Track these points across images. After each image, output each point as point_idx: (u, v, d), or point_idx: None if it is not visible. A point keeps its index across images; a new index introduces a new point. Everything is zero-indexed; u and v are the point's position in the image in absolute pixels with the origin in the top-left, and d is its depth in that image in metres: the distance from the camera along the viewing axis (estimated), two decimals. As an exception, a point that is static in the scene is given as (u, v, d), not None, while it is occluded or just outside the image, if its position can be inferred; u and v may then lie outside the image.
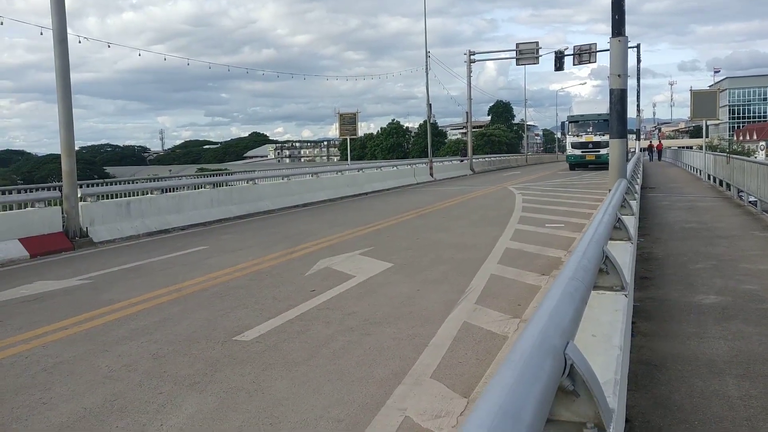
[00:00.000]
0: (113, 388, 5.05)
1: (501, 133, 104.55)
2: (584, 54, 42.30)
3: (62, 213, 13.42)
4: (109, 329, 6.75)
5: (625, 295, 3.88)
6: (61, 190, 13.81)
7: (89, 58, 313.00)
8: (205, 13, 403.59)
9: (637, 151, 46.30)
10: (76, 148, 14.70)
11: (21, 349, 6.16)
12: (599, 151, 40.27)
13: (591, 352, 2.69)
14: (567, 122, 44.79)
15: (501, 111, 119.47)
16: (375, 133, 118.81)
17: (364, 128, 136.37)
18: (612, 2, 11.31)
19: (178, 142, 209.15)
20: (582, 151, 42.37)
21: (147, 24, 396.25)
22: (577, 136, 42.80)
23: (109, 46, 24.31)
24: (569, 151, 43.93)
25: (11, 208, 13.23)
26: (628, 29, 11.88)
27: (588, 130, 42.46)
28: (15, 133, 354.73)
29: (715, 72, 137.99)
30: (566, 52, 42.60)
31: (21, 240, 12.21)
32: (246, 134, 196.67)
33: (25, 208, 13.19)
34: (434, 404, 4.53)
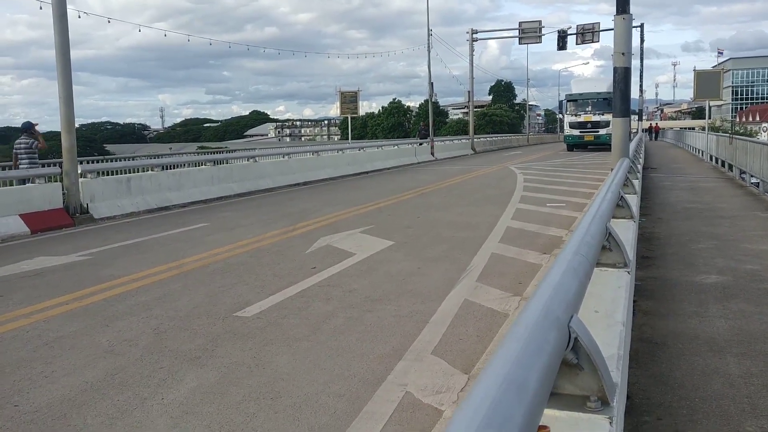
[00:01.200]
0: (114, 363, 5.05)
1: (502, 113, 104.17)
2: (587, 33, 42.03)
3: (62, 189, 13.38)
4: (109, 304, 6.75)
5: (628, 272, 3.87)
6: (61, 167, 13.78)
7: (92, 35, 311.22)
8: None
9: (639, 131, 46.05)
10: (76, 126, 14.64)
11: (22, 323, 6.16)
12: (598, 131, 39.23)
13: (594, 327, 2.67)
14: (565, 101, 43.52)
15: (502, 91, 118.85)
16: (376, 112, 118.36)
17: (366, 107, 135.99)
18: (617, -21, 11.19)
19: (178, 120, 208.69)
20: (581, 132, 41.06)
21: (149, 1, 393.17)
22: (576, 115, 41.44)
23: (109, 22, 24.32)
24: (567, 131, 42.62)
25: (12, 185, 13.21)
26: (632, 9, 11.76)
27: (587, 109, 41.19)
28: (16, 110, 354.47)
29: (719, 53, 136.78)
30: (569, 32, 42.33)
31: (21, 216, 12.19)
32: (247, 113, 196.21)
33: (25, 184, 13.17)
34: (435, 380, 4.53)
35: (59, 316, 6.39)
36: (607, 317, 2.99)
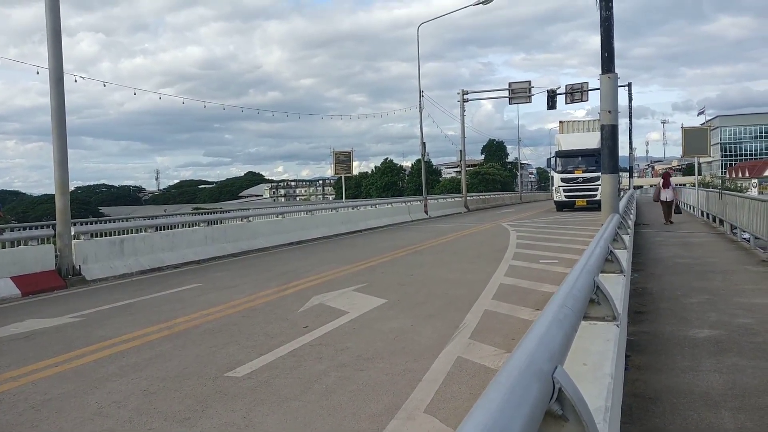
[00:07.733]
0: (102, 425, 4.97)
1: (495, 171, 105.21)
2: (576, 93, 42.78)
3: (55, 251, 13.36)
4: (99, 366, 6.67)
5: (617, 326, 3.86)
6: (54, 228, 13.78)
7: (101, 100, 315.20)
8: (216, 58, 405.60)
9: (630, 188, 46.38)
10: (72, 188, 14.73)
11: (9, 386, 6.07)
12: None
13: (582, 380, 2.67)
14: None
15: (494, 150, 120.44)
16: (370, 171, 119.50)
17: (364, 168, 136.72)
18: (601, 40, 11.51)
19: (175, 182, 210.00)
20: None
21: (157, 68, 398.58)
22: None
23: (104, 85, 24.73)
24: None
25: (4, 247, 13.19)
26: (620, 71, 12.09)
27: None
28: (17, 173, 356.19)
29: (700, 113, 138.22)
30: (558, 91, 43.10)
31: (13, 278, 12.14)
32: (243, 173, 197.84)
33: (18, 246, 13.14)
34: (427, 439, 4.47)
35: (47, 378, 6.31)
36: (595, 370, 2.98)
